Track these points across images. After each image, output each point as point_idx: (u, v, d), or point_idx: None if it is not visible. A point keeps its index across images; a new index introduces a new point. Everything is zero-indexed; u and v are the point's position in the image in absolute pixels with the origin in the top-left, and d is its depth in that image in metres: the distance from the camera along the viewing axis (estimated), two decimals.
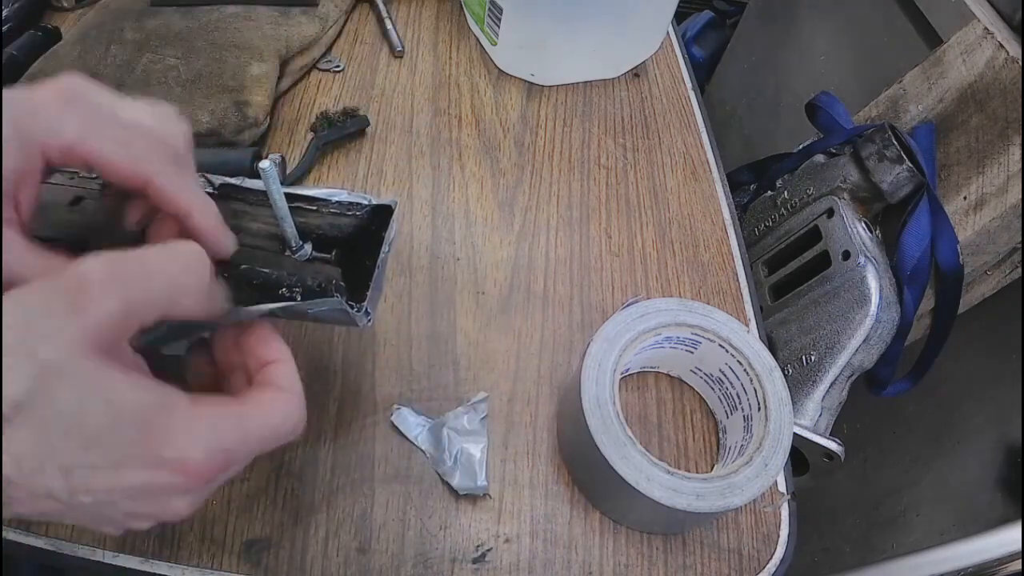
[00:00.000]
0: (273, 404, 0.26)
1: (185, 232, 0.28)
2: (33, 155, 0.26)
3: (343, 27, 0.64)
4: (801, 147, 0.82)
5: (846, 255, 0.68)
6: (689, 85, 0.68)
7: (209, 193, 0.35)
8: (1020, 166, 0.63)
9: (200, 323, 0.29)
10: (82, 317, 0.21)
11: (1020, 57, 0.64)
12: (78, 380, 0.21)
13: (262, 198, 0.35)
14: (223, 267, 0.32)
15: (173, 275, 0.24)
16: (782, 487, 0.44)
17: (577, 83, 0.65)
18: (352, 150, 0.55)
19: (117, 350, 0.23)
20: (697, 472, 0.41)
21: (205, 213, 0.28)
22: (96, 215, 0.33)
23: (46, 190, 0.28)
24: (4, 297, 0.21)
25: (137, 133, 0.27)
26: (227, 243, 0.30)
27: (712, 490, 0.35)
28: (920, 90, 0.73)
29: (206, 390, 0.29)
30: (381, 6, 0.66)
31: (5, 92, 0.26)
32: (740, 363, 0.41)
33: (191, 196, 0.28)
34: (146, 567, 0.35)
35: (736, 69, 1.30)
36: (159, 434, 0.22)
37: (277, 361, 0.28)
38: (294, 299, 0.31)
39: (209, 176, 0.35)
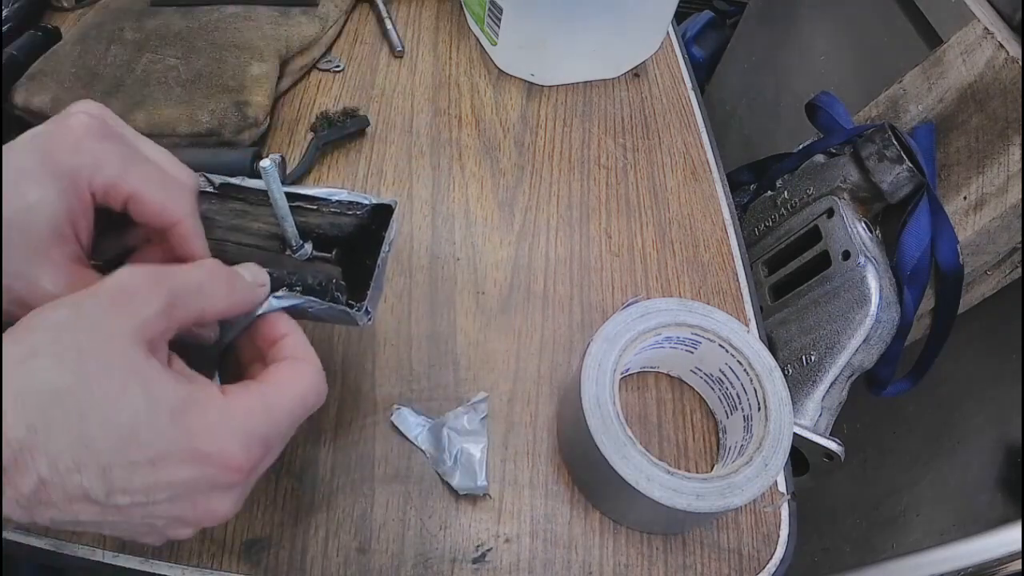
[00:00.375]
0: (293, 377, 0.27)
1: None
2: (83, 191, 0.26)
3: (343, 27, 0.64)
4: (801, 147, 0.82)
5: (846, 255, 0.68)
6: (689, 85, 0.68)
7: (209, 192, 0.35)
8: (1020, 166, 0.63)
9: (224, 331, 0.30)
10: (126, 313, 0.22)
11: (1020, 57, 0.64)
12: (118, 370, 0.21)
13: (262, 197, 0.35)
14: None
15: (200, 279, 0.25)
16: (782, 487, 0.44)
17: (577, 83, 0.65)
18: (352, 150, 0.55)
19: (157, 348, 0.23)
20: (697, 472, 0.41)
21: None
22: None
23: None
24: (57, 302, 0.22)
25: (166, 174, 0.28)
26: None
27: (712, 490, 0.35)
28: (920, 90, 0.73)
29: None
30: (381, 6, 0.66)
31: (41, 126, 0.26)
32: (740, 363, 0.41)
33: (204, 245, 0.29)
34: (146, 567, 0.35)
35: (736, 69, 1.30)
36: (196, 428, 0.22)
37: (288, 334, 0.29)
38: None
39: (209, 176, 0.35)
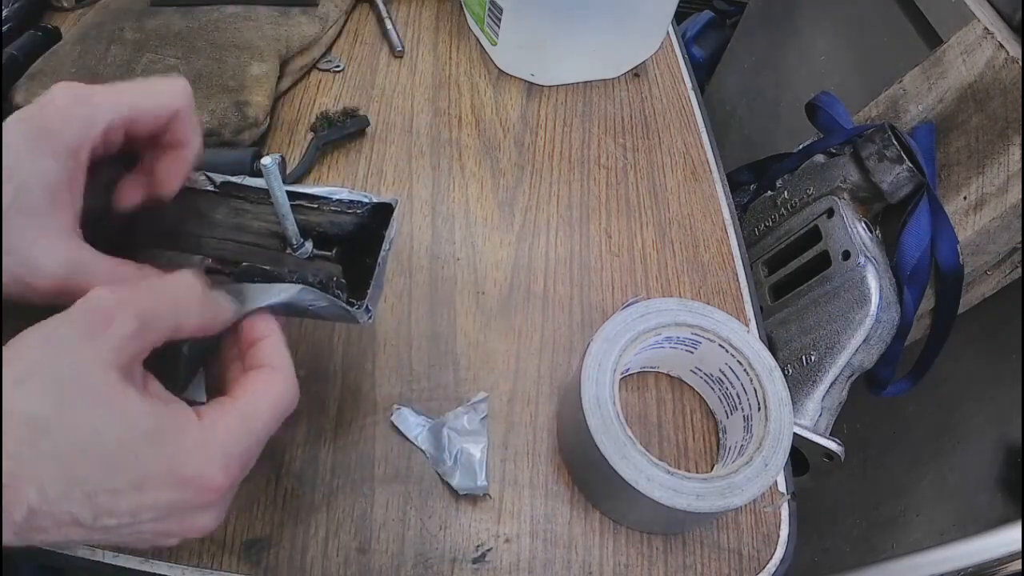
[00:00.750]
0: (266, 388, 0.27)
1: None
2: (80, 154, 0.27)
3: (343, 27, 0.64)
4: (801, 147, 0.82)
5: (846, 255, 0.68)
6: (689, 85, 0.68)
7: (210, 191, 0.35)
8: (1020, 166, 0.63)
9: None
10: (101, 338, 0.22)
11: (1020, 57, 0.64)
12: (97, 397, 0.22)
13: (263, 196, 0.35)
14: (225, 264, 0.32)
15: (176, 295, 0.25)
16: (782, 487, 0.44)
17: (577, 83, 0.65)
18: (352, 150, 0.55)
19: (132, 371, 0.24)
20: (697, 472, 0.41)
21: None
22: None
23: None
24: (32, 330, 0.22)
25: (155, 81, 0.30)
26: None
27: (712, 490, 0.35)
28: (920, 90, 0.73)
29: (211, 387, 0.30)
30: (381, 6, 0.66)
31: (24, 109, 0.27)
32: (740, 363, 0.41)
33: (200, 136, 0.31)
34: (146, 567, 0.35)
35: (736, 69, 1.30)
36: (175, 453, 0.23)
37: (264, 338, 0.29)
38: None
39: (210, 174, 0.35)
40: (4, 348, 0.22)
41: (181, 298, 0.26)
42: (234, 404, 0.26)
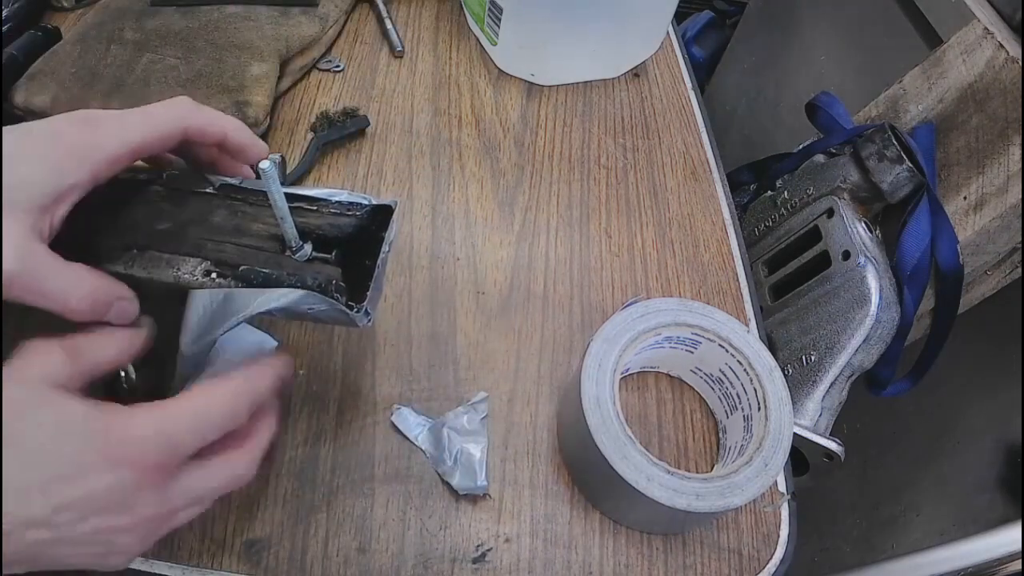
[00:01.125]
0: (203, 392, 0.28)
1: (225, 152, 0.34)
2: (79, 180, 0.28)
3: (343, 27, 0.64)
4: (801, 147, 0.82)
5: (846, 255, 0.68)
6: (689, 85, 0.68)
7: (209, 193, 0.35)
8: (1020, 166, 0.63)
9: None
10: (35, 364, 0.26)
11: (1020, 57, 0.64)
12: (34, 406, 0.25)
13: (262, 198, 0.35)
14: (224, 267, 0.32)
15: (111, 350, 0.29)
16: (782, 487, 0.44)
17: (577, 83, 0.65)
18: (352, 150, 0.55)
19: (69, 391, 0.26)
20: (697, 472, 0.41)
21: (239, 128, 0.34)
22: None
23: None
24: None
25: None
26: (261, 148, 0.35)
27: (712, 490, 0.35)
28: (920, 90, 0.73)
29: None
30: (381, 6, 0.66)
31: (42, 125, 0.28)
32: (740, 363, 0.41)
33: (223, 117, 0.33)
34: (146, 567, 0.35)
35: (736, 69, 1.30)
36: (109, 436, 0.25)
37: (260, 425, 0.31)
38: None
39: (209, 176, 0.35)
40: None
41: (117, 347, 0.29)
42: (177, 400, 0.27)
